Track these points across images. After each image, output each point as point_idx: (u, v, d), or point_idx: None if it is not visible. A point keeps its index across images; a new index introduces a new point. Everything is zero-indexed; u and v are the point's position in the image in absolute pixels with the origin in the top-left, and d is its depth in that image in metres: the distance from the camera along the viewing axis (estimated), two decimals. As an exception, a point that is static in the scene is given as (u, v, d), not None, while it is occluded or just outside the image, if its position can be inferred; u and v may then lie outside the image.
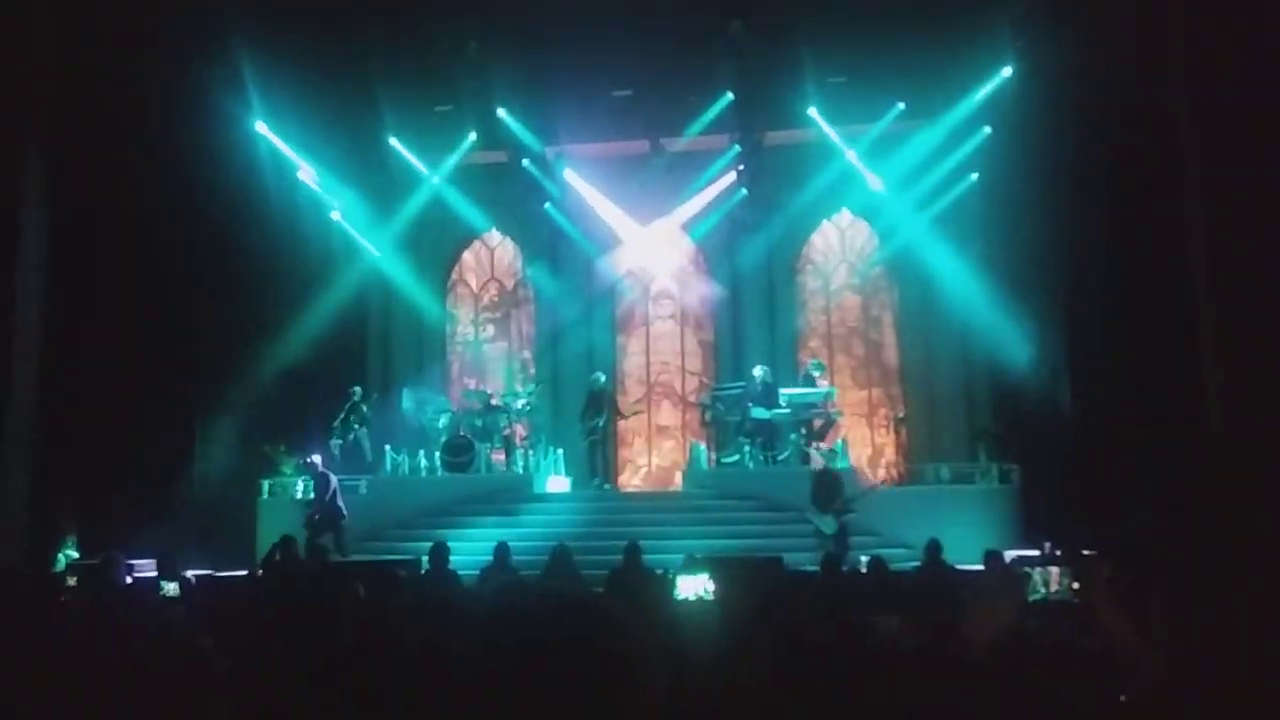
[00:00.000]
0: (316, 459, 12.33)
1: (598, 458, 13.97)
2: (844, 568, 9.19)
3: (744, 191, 15.90)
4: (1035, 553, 9.02)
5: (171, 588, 6.43)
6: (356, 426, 14.28)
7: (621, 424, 15.99)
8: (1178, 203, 10.66)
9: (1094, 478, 11.03)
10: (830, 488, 10.86)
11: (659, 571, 7.70)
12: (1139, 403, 11.24)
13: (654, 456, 16.88)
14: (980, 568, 8.28)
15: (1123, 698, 1.79)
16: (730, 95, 14.39)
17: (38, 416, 11.48)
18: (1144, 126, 11.12)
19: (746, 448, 13.54)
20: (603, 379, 14.28)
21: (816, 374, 14.11)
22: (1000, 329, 13.93)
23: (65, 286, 12.21)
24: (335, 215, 15.81)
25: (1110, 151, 11.54)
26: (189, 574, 9.56)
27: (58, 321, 11.95)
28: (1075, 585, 1.87)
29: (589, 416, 13.84)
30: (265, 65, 13.47)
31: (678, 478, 14.62)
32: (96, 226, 12.91)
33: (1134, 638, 1.93)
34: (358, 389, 14.51)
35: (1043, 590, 1.78)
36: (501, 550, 8.46)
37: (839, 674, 2.84)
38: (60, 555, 10.71)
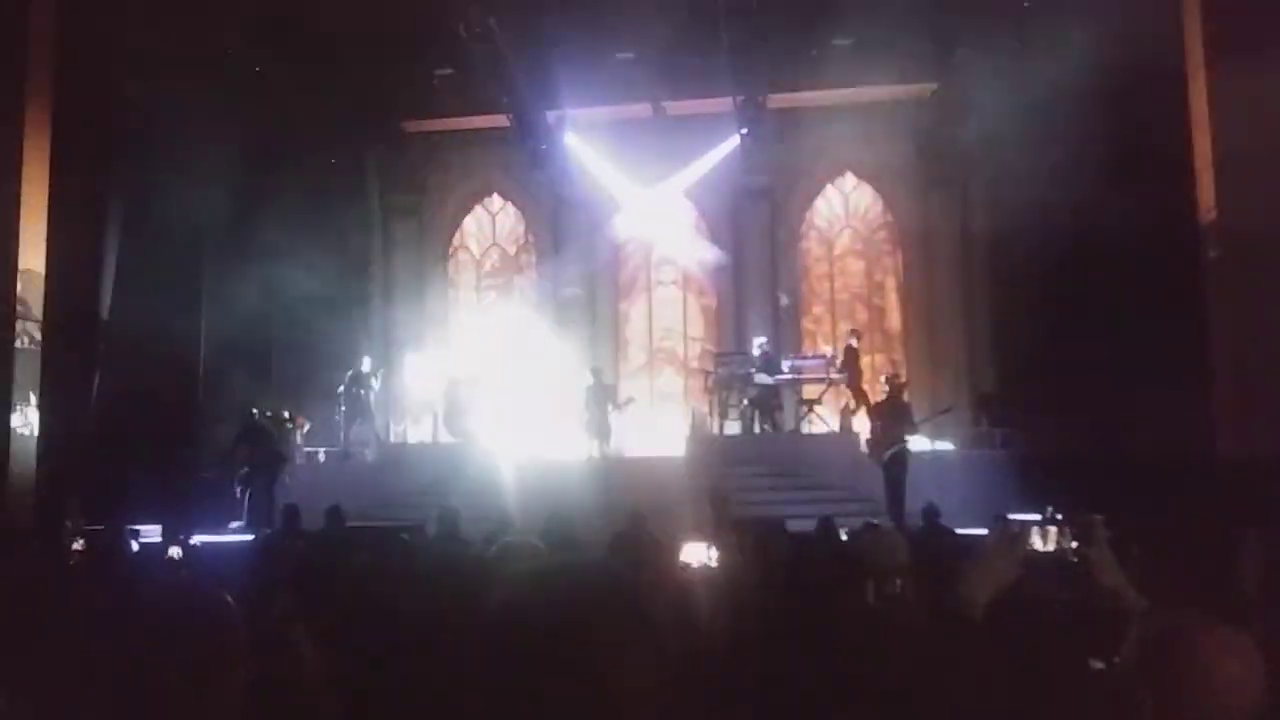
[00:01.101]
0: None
1: (598, 450, 13.36)
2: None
3: (746, 154, 15.79)
4: (1036, 517, 9.02)
5: (175, 552, 6.47)
6: (362, 394, 14.27)
7: (624, 388, 15.98)
8: (1187, 165, 10.55)
9: (1097, 444, 11.02)
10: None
11: (662, 539, 7.72)
12: (1145, 369, 11.21)
13: (656, 423, 16.89)
14: (984, 531, 8.31)
15: (1096, 664, 1.79)
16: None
17: (44, 386, 11.48)
18: (1158, 87, 10.99)
19: (750, 414, 13.58)
20: (598, 372, 13.93)
21: (853, 343, 14.12)
22: (1003, 293, 13.91)
23: (72, 255, 12.16)
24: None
25: (1120, 109, 11.41)
26: (194, 539, 9.63)
27: (63, 290, 11.91)
28: (1074, 544, 1.87)
29: (586, 408, 13.37)
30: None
31: (680, 444, 14.62)
32: (103, 196, 12.89)
33: (1132, 594, 1.93)
34: (366, 359, 14.51)
35: (1040, 546, 1.78)
36: (504, 516, 8.48)
37: (839, 634, 2.85)
38: (66, 522, 10.74)
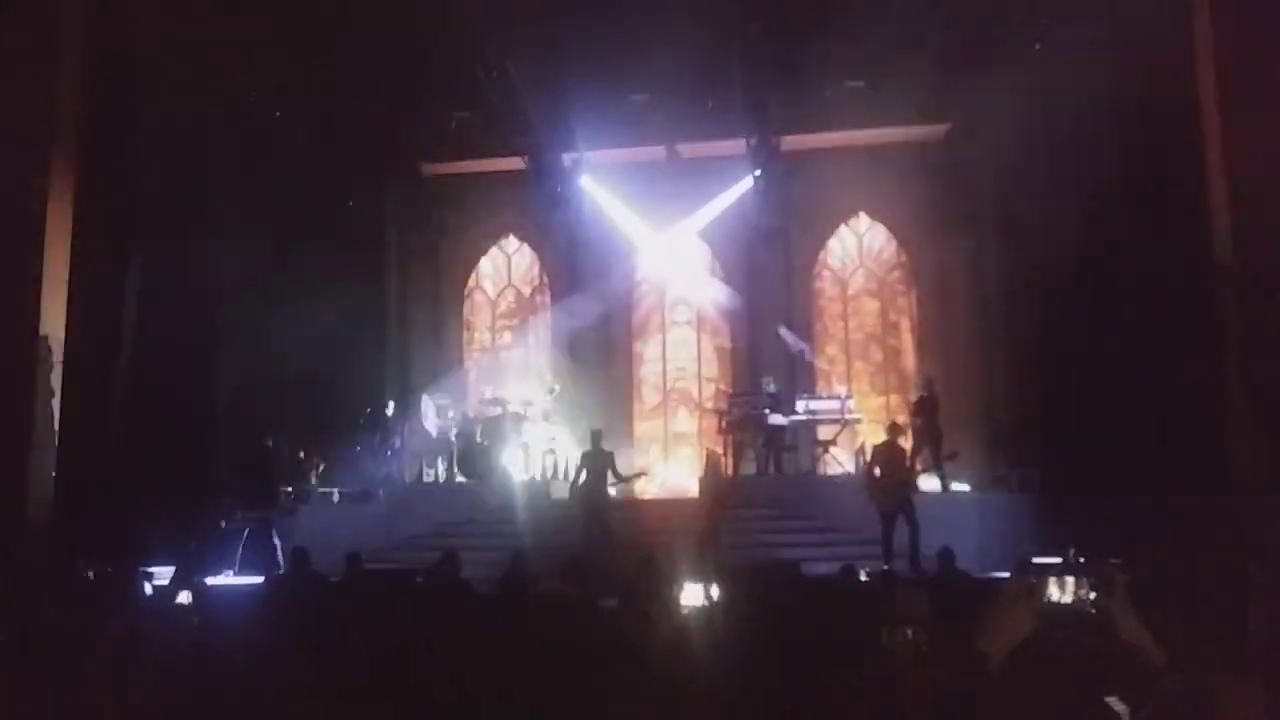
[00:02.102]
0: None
1: (594, 528, 11.32)
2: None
3: (760, 195, 15.86)
4: (1057, 560, 8.87)
5: (185, 596, 6.45)
6: (381, 437, 14.36)
7: (639, 429, 15.94)
8: (1204, 193, 10.52)
9: (1117, 485, 10.88)
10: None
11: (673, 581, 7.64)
12: (1165, 406, 11.10)
13: (670, 464, 16.83)
14: (1003, 576, 8.18)
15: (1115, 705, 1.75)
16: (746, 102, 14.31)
17: (62, 428, 11.56)
18: (1173, 124, 10.98)
19: (765, 455, 13.52)
20: (598, 435, 12.14)
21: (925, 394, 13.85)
22: (1020, 333, 13.85)
23: (94, 296, 12.31)
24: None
25: (1137, 138, 11.41)
26: (208, 581, 9.60)
27: (82, 335, 12.03)
28: (1093, 595, 1.82)
29: (581, 477, 11.72)
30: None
31: (694, 485, 14.54)
32: (124, 241, 13.08)
33: (1153, 647, 1.88)
34: (390, 401, 14.63)
35: (1057, 597, 1.73)
36: (516, 559, 8.43)
37: (856, 683, 2.79)
38: (82, 564, 10.74)
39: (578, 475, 11.77)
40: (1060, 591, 2.00)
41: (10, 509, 10.72)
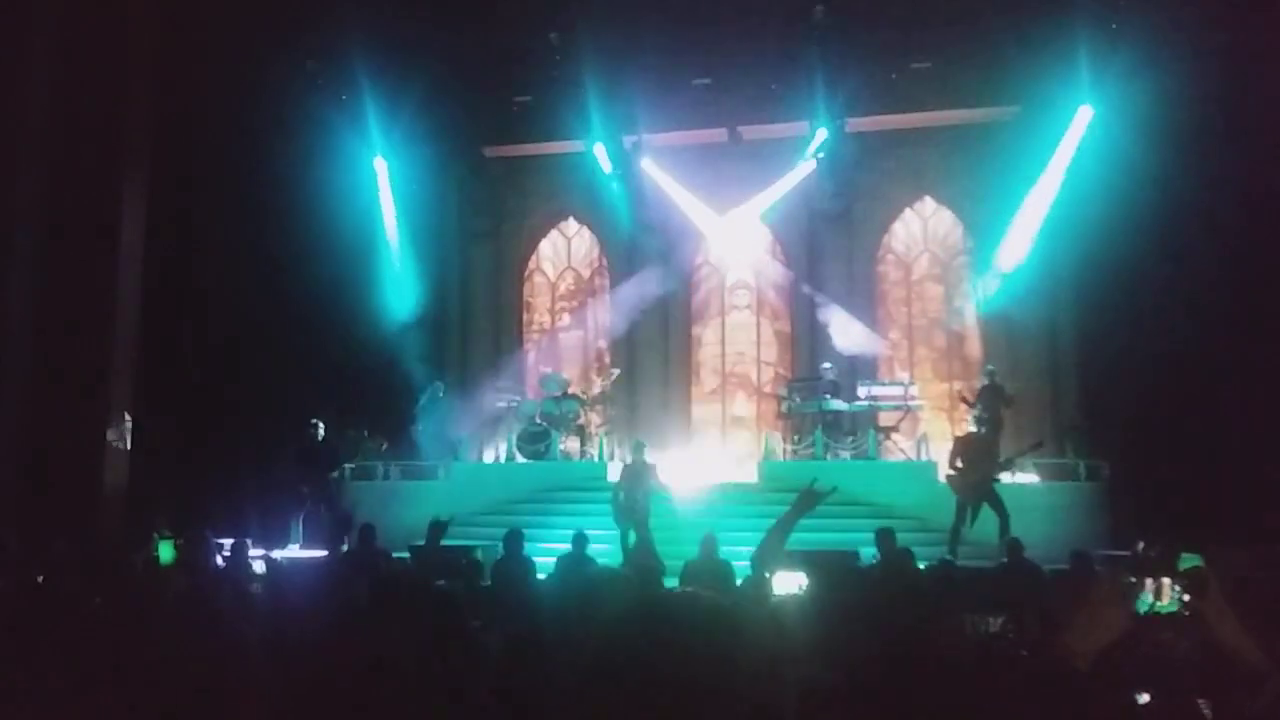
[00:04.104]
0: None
1: (630, 538, 10.96)
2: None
3: (822, 180, 15.68)
4: (1126, 553, 8.68)
5: (258, 566, 6.64)
6: (441, 416, 14.56)
7: (697, 413, 15.92)
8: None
9: (1190, 475, 10.60)
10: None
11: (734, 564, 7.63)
12: (1240, 396, 10.77)
13: (728, 447, 16.79)
14: (1065, 568, 8.06)
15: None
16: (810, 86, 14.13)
17: (135, 402, 11.92)
18: (1251, 99, 10.60)
19: (822, 440, 13.42)
20: (640, 447, 11.91)
21: (988, 380, 13.59)
22: (1088, 319, 13.54)
23: (164, 280, 12.65)
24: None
25: (1219, 123, 11.03)
26: (278, 555, 9.87)
27: (154, 311, 12.38)
28: (1186, 597, 1.76)
29: (622, 489, 11.35)
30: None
31: (752, 469, 14.50)
32: (193, 218, 13.38)
33: (1254, 650, 1.82)
34: (440, 383, 14.81)
35: (1151, 602, 1.67)
36: (579, 539, 8.49)
37: (942, 677, 2.76)
38: (155, 535, 11.10)
39: (618, 491, 11.36)
40: (1155, 595, 1.95)
41: (90, 482, 11.12)
